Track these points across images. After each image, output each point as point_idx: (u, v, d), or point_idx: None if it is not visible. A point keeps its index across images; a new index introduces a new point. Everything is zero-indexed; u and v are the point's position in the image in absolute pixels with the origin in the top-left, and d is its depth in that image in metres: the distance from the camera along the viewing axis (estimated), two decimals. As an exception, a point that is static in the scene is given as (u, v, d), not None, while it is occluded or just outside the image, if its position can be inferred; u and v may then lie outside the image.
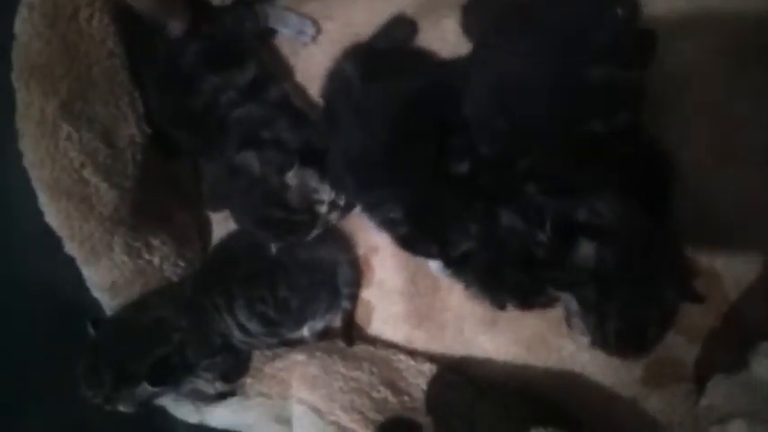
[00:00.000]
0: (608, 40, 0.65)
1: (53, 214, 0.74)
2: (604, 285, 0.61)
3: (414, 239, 0.73)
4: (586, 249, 0.62)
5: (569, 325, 0.67)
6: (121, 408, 0.76)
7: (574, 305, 0.64)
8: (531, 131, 0.66)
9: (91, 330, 0.78)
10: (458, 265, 0.73)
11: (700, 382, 0.71)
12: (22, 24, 0.70)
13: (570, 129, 0.65)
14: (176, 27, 0.77)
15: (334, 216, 0.78)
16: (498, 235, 0.68)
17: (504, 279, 0.68)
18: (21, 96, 0.70)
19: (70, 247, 0.76)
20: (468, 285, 0.73)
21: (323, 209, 0.76)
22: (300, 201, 0.74)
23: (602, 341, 0.63)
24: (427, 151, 0.70)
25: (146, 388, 0.75)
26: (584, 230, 0.63)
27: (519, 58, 0.67)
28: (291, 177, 0.73)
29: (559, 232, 0.64)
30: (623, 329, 0.62)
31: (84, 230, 0.74)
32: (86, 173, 0.73)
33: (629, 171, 0.66)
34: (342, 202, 0.78)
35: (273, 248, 0.77)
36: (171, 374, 0.77)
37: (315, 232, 0.77)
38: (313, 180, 0.74)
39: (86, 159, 0.73)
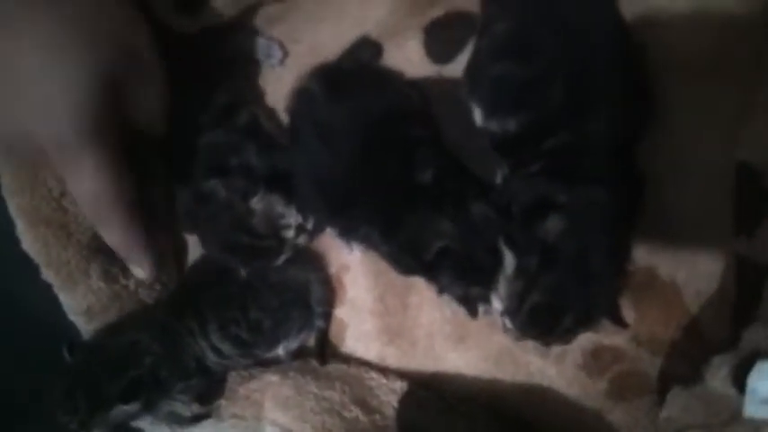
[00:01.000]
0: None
1: (30, 241, 0.75)
2: (549, 261, 0.62)
3: (395, 256, 0.74)
4: (554, 224, 0.63)
5: (493, 283, 0.68)
6: (96, 432, 0.76)
7: (510, 264, 0.65)
8: (585, 105, 0.65)
9: (66, 355, 0.79)
10: (431, 268, 0.74)
11: (662, 395, 0.72)
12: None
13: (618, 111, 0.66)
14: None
15: (302, 239, 0.80)
16: (470, 226, 0.69)
17: (477, 268, 0.69)
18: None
19: (47, 274, 0.77)
20: (441, 289, 0.74)
21: (290, 233, 0.77)
22: (266, 226, 0.75)
23: (515, 310, 0.64)
24: (392, 167, 0.72)
25: (120, 409, 0.75)
26: (560, 209, 0.64)
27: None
28: (257, 203, 0.74)
29: (537, 204, 0.65)
30: (541, 305, 0.63)
31: (62, 257, 0.76)
32: (65, 201, 0.75)
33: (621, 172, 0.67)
34: (309, 226, 0.79)
35: (243, 272, 0.78)
36: (143, 392, 0.77)
37: (283, 257, 0.78)
38: (279, 205, 0.76)
39: (65, 188, 0.74)
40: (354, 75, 0.79)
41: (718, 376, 0.61)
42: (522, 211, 0.66)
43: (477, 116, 0.73)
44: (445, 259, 0.71)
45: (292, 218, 0.76)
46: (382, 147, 0.71)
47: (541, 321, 0.64)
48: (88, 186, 0.65)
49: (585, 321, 0.64)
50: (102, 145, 0.64)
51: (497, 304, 0.68)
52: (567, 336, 0.65)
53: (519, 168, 0.69)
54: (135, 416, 0.79)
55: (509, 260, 0.66)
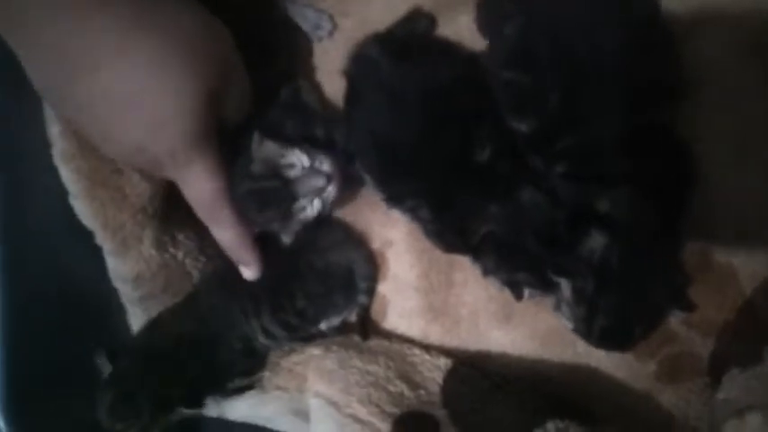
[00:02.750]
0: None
1: (88, 204, 0.76)
2: (603, 281, 0.62)
3: (441, 234, 0.74)
4: (596, 241, 0.63)
5: (557, 308, 0.69)
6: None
7: (568, 292, 0.65)
8: (584, 110, 0.65)
9: (107, 363, 0.79)
10: (477, 250, 0.74)
11: (715, 377, 0.71)
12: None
13: (621, 114, 0.65)
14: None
15: (330, 188, 0.76)
16: (518, 211, 0.69)
17: (523, 251, 0.68)
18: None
19: (102, 237, 0.78)
20: (485, 272, 0.74)
21: (293, 172, 0.75)
22: (263, 167, 0.74)
23: (586, 333, 0.66)
24: (452, 140, 0.71)
25: (180, 412, 0.76)
26: (599, 222, 0.63)
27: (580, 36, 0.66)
28: (255, 150, 0.74)
29: (575, 219, 0.65)
30: (610, 326, 0.64)
31: (118, 220, 0.76)
32: (121, 163, 0.75)
33: (655, 169, 0.66)
34: (325, 166, 0.75)
35: (286, 238, 0.78)
36: (206, 395, 0.78)
37: (303, 203, 0.76)
38: (279, 147, 0.75)
39: None
40: (417, 43, 0.79)
41: (780, 356, 0.60)
42: (566, 227, 0.66)
43: None
44: (491, 243, 0.71)
45: (294, 156, 0.74)
46: (445, 118, 0.70)
47: (614, 340, 0.66)
48: (201, 189, 0.71)
49: (656, 323, 0.64)
50: (209, 150, 0.70)
51: (567, 324, 0.68)
52: (642, 340, 0.66)
53: (547, 169, 0.69)
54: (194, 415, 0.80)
55: (564, 287, 0.66)
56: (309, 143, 0.78)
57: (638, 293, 0.62)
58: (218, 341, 0.80)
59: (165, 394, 0.75)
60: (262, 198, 0.75)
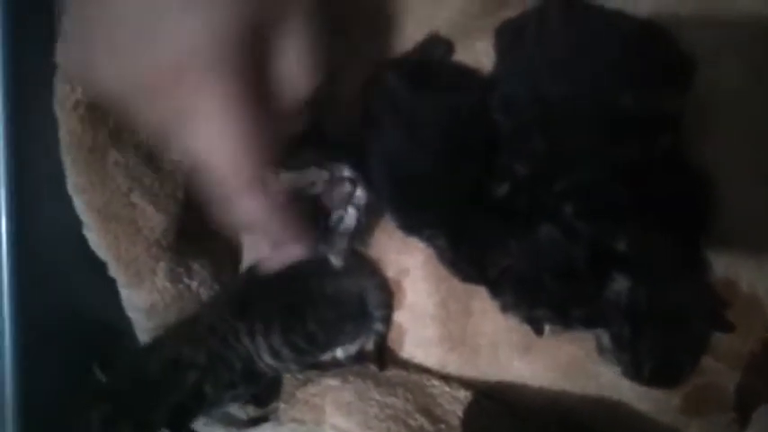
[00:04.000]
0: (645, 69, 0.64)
1: (101, 237, 0.75)
2: (637, 323, 0.62)
3: (458, 265, 0.73)
4: (620, 285, 0.62)
5: (602, 357, 0.68)
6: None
7: (606, 340, 0.65)
8: (569, 152, 0.66)
9: (99, 374, 0.77)
10: (495, 285, 0.72)
11: (742, 412, 0.70)
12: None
13: (609, 152, 0.65)
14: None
15: (359, 192, 0.75)
16: (536, 248, 0.67)
17: (542, 290, 0.67)
18: (71, 128, 0.72)
19: (116, 270, 0.78)
20: (504, 308, 0.72)
21: (316, 189, 0.74)
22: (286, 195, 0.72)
23: (636, 377, 0.64)
24: (471, 171, 0.70)
25: None
26: (620, 264, 0.63)
27: (556, 79, 0.67)
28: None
29: (596, 261, 0.64)
30: (658, 366, 0.63)
31: (131, 253, 0.76)
32: (134, 197, 0.75)
33: (668, 198, 0.66)
34: (346, 173, 0.74)
35: (336, 261, 0.77)
36: (190, 418, 0.76)
37: (338, 214, 0.75)
38: (293, 175, 0.74)
39: (134, 184, 0.75)
40: (434, 69, 0.78)
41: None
42: (588, 271, 0.64)
43: None
44: (509, 279, 0.70)
45: (311, 174, 0.74)
46: (465, 148, 0.69)
47: (666, 380, 0.65)
48: (216, 124, 0.53)
49: (701, 349, 0.64)
50: (237, 86, 0.53)
51: (616, 370, 0.67)
52: (692, 370, 0.66)
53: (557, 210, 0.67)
54: None
55: (602, 335, 0.65)
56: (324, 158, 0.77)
57: (676, 327, 0.61)
58: (214, 360, 0.77)
59: (147, 418, 0.73)
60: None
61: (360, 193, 0.76)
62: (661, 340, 0.61)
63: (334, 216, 0.75)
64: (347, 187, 0.75)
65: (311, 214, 0.74)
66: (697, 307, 0.63)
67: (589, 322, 0.64)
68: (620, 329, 0.62)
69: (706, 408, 0.73)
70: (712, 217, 0.69)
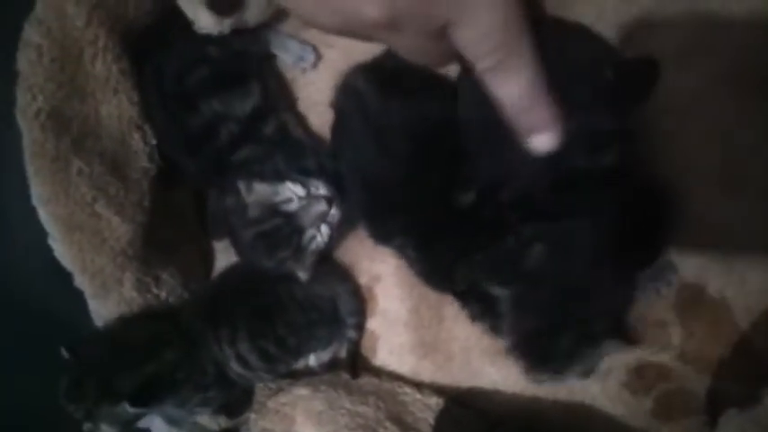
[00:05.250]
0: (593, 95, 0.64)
1: (65, 248, 0.74)
2: (536, 287, 0.61)
3: (427, 276, 0.73)
4: (537, 251, 0.62)
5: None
6: (104, 427, 0.74)
7: (505, 302, 0.63)
8: (512, 165, 0.64)
9: (65, 354, 0.76)
10: (463, 296, 0.72)
11: (712, 416, 0.70)
12: (31, 67, 0.70)
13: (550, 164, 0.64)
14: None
15: (333, 211, 0.75)
16: (500, 259, 0.66)
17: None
18: (34, 137, 0.70)
19: (81, 281, 0.76)
20: (473, 317, 0.72)
21: (292, 206, 0.73)
22: (260, 210, 0.73)
23: (514, 342, 0.63)
24: (439, 179, 0.69)
25: (126, 408, 0.72)
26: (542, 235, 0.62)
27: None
28: (246, 195, 0.72)
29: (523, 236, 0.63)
30: (534, 332, 0.61)
31: (97, 264, 0.74)
32: (99, 207, 0.74)
33: (615, 207, 0.64)
34: (322, 191, 0.74)
35: (303, 275, 0.76)
36: (155, 397, 0.74)
37: (311, 232, 0.74)
38: (268, 188, 0.73)
39: (98, 193, 0.73)
40: (405, 75, 0.77)
41: (778, 400, 0.58)
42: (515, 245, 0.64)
43: None
44: (474, 292, 0.69)
45: (287, 190, 0.73)
46: (433, 155, 0.69)
47: (538, 346, 0.62)
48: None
49: (586, 342, 0.60)
50: None
51: (506, 342, 0.65)
52: (572, 360, 0.62)
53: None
54: (142, 415, 0.76)
55: (503, 297, 0.64)
56: (300, 173, 0.76)
57: (568, 301, 0.60)
58: (186, 354, 0.77)
59: (115, 384, 0.72)
60: (269, 241, 0.74)
61: (334, 211, 0.75)
62: (546, 312, 0.60)
63: (308, 234, 0.75)
64: (323, 205, 0.74)
65: (284, 231, 0.74)
66: (604, 308, 0.61)
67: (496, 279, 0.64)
68: (519, 289, 0.61)
69: (677, 412, 0.73)
70: (665, 231, 0.68)
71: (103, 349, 0.76)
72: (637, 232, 0.61)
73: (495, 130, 0.60)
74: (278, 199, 0.73)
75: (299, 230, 0.74)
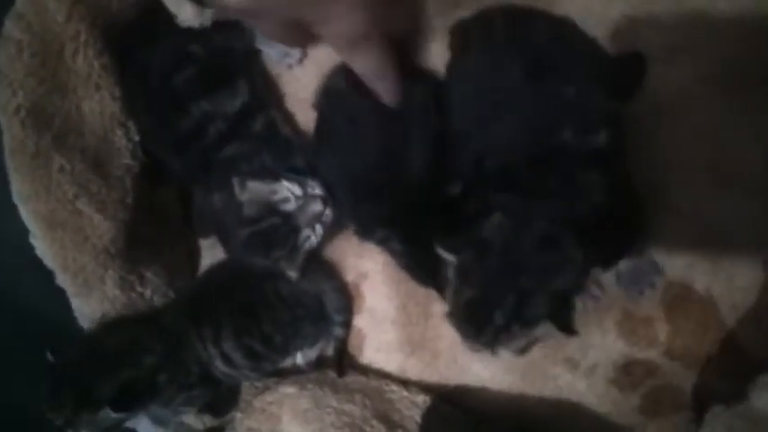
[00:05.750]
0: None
1: (46, 246, 0.73)
2: (482, 257, 0.60)
3: (412, 270, 0.72)
4: (493, 220, 0.61)
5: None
6: (85, 433, 0.73)
7: (451, 268, 0.63)
8: (498, 136, 0.65)
9: (50, 358, 0.75)
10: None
11: (699, 412, 0.70)
12: (11, 62, 0.69)
13: (538, 137, 0.63)
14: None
15: (328, 212, 0.75)
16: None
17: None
18: (14, 133, 0.69)
19: (63, 279, 0.75)
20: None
21: (290, 205, 0.73)
22: (256, 209, 0.72)
23: (453, 309, 0.63)
24: (424, 172, 0.69)
25: (109, 413, 0.71)
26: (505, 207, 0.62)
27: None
28: (240, 193, 0.72)
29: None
30: (471, 301, 0.60)
31: (79, 262, 0.74)
32: (80, 204, 0.73)
33: (587, 198, 0.64)
34: (318, 191, 0.74)
35: (293, 273, 0.75)
36: (137, 401, 0.72)
37: (306, 232, 0.74)
38: (265, 185, 0.72)
39: (80, 191, 0.72)
40: None
41: (764, 396, 0.58)
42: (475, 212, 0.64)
43: None
44: None
45: (285, 189, 0.72)
46: (415, 147, 0.69)
47: (473, 317, 0.61)
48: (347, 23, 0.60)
49: (519, 322, 0.59)
50: None
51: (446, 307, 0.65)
52: (505, 336, 0.60)
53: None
54: (125, 419, 0.75)
55: (450, 262, 0.63)
56: (292, 171, 0.76)
57: (510, 277, 0.59)
58: (168, 358, 0.75)
59: (94, 391, 0.71)
60: (266, 240, 0.73)
61: (329, 211, 0.75)
62: (486, 283, 0.59)
63: (303, 234, 0.74)
64: (319, 205, 0.74)
65: (281, 231, 0.73)
66: (538, 286, 0.59)
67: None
68: (466, 257, 0.61)
69: (664, 408, 0.73)
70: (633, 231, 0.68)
71: (80, 356, 0.75)
72: (601, 229, 0.61)
73: (484, 105, 0.60)
74: (275, 198, 0.73)
75: (296, 230, 0.74)
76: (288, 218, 0.73)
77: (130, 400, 0.71)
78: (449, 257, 0.63)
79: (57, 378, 0.72)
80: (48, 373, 0.73)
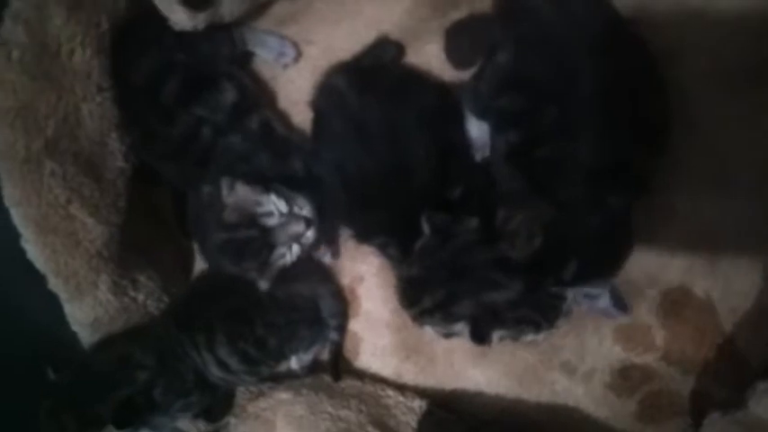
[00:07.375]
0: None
1: (38, 251, 0.72)
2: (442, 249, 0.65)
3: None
4: (470, 224, 0.66)
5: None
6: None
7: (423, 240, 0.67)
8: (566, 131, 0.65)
9: (51, 375, 0.74)
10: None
11: (696, 418, 0.69)
12: (6, 63, 0.68)
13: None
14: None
15: (309, 234, 0.73)
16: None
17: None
18: (4, 136, 0.68)
19: (55, 284, 0.74)
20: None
21: (272, 221, 0.71)
22: (238, 216, 0.71)
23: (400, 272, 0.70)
24: (422, 175, 0.69)
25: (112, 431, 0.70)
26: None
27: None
28: (226, 196, 0.70)
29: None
30: (412, 279, 0.67)
31: (71, 266, 0.72)
32: (73, 208, 0.71)
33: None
34: (304, 212, 0.73)
35: (263, 285, 0.74)
36: (137, 416, 0.72)
37: (282, 250, 0.73)
38: (249, 193, 0.71)
39: (72, 195, 0.71)
40: (383, 73, 0.76)
41: (763, 402, 0.58)
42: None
43: (474, 129, 0.73)
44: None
45: (271, 204, 0.71)
46: (416, 151, 0.68)
47: (408, 292, 0.67)
48: None
49: (443, 311, 0.64)
50: None
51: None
52: (428, 318, 0.66)
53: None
54: None
55: (425, 234, 0.67)
56: (286, 180, 0.75)
57: (452, 273, 0.64)
58: (162, 370, 0.75)
59: (93, 412, 0.70)
60: (238, 250, 0.72)
61: (310, 233, 0.74)
62: (428, 269, 0.65)
63: (278, 252, 0.73)
64: (301, 227, 0.72)
65: (256, 244, 0.72)
66: (474, 288, 0.64)
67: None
68: (434, 240, 0.65)
69: (661, 414, 0.73)
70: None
71: (75, 378, 0.74)
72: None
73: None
74: (259, 210, 0.72)
75: (271, 246, 0.72)
76: (266, 233, 0.72)
77: (131, 416, 0.71)
78: (426, 230, 0.66)
79: (54, 403, 0.72)
80: (44, 398, 0.72)
